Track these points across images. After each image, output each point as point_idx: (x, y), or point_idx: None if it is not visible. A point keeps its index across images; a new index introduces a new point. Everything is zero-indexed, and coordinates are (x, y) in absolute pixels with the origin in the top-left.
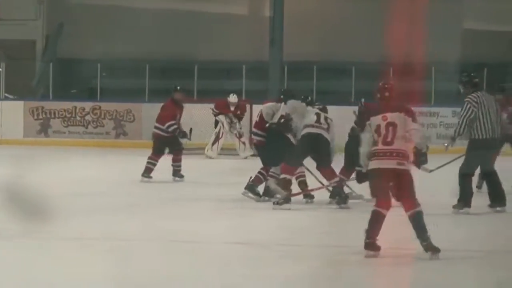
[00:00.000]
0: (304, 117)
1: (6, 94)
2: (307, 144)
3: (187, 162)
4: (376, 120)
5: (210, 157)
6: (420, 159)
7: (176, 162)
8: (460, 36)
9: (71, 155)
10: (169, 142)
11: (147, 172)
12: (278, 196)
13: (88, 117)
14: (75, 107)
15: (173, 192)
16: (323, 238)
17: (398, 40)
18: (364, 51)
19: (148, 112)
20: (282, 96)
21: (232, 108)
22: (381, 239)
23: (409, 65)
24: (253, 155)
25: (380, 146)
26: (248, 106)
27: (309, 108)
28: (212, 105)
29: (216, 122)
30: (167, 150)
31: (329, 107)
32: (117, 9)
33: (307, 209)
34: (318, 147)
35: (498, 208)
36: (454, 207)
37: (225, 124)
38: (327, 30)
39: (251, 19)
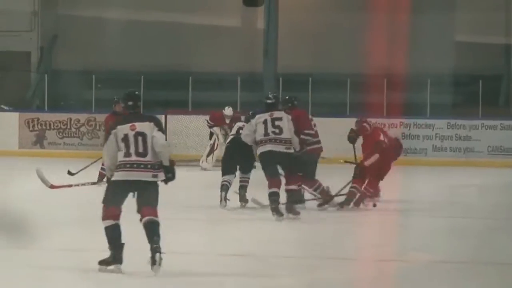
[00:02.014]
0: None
1: (2, 106)
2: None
3: (182, 173)
4: (123, 129)
5: (205, 169)
6: (167, 175)
7: None
8: (452, 49)
9: (66, 167)
10: None
11: (101, 177)
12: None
13: (83, 129)
14: (70, 119)
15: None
16: (316, 249)
17: (391, 52)
18: (359, 63)
19: None
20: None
21: (227, 121)
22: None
23: (402, 77)
24: None
25: (133, 158)
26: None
27: (259, 116)
28: (207, 117)
29: (211, 134)
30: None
31: (324, 119)
32: (110, 21)
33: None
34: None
35: None
36: None
37: (219, 136)
38: (321, 41)
39: (245, 31)
